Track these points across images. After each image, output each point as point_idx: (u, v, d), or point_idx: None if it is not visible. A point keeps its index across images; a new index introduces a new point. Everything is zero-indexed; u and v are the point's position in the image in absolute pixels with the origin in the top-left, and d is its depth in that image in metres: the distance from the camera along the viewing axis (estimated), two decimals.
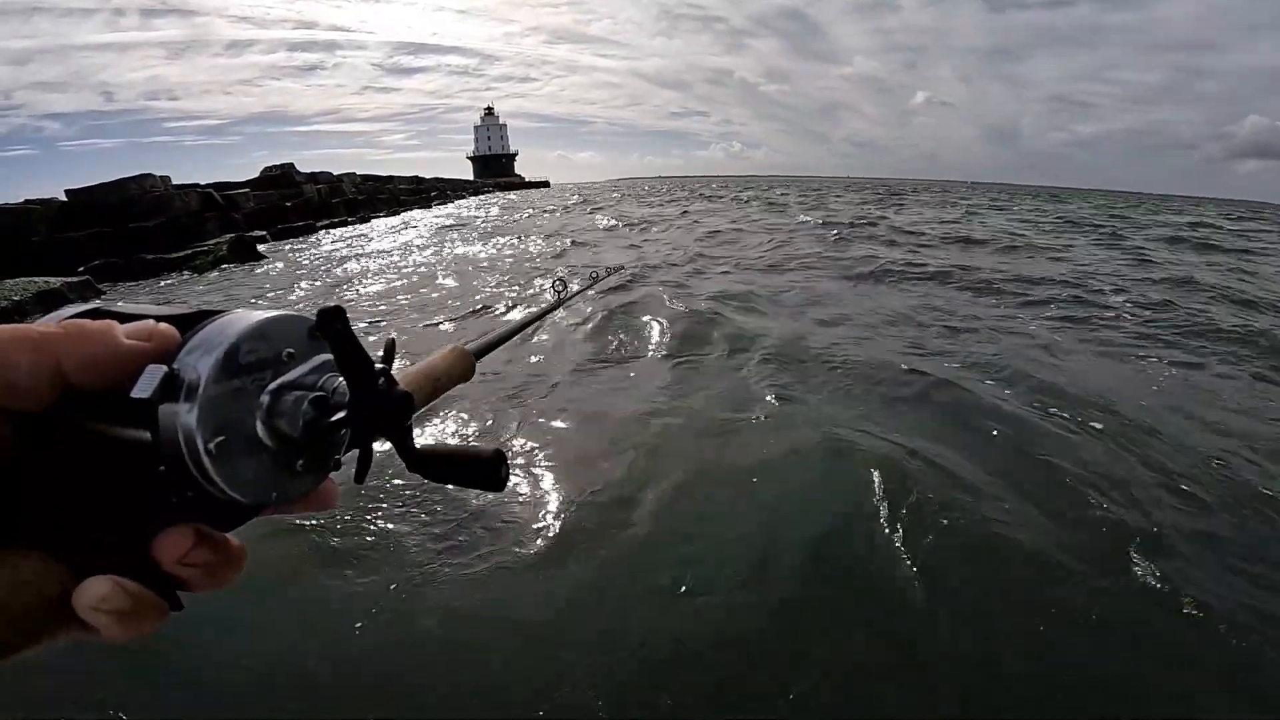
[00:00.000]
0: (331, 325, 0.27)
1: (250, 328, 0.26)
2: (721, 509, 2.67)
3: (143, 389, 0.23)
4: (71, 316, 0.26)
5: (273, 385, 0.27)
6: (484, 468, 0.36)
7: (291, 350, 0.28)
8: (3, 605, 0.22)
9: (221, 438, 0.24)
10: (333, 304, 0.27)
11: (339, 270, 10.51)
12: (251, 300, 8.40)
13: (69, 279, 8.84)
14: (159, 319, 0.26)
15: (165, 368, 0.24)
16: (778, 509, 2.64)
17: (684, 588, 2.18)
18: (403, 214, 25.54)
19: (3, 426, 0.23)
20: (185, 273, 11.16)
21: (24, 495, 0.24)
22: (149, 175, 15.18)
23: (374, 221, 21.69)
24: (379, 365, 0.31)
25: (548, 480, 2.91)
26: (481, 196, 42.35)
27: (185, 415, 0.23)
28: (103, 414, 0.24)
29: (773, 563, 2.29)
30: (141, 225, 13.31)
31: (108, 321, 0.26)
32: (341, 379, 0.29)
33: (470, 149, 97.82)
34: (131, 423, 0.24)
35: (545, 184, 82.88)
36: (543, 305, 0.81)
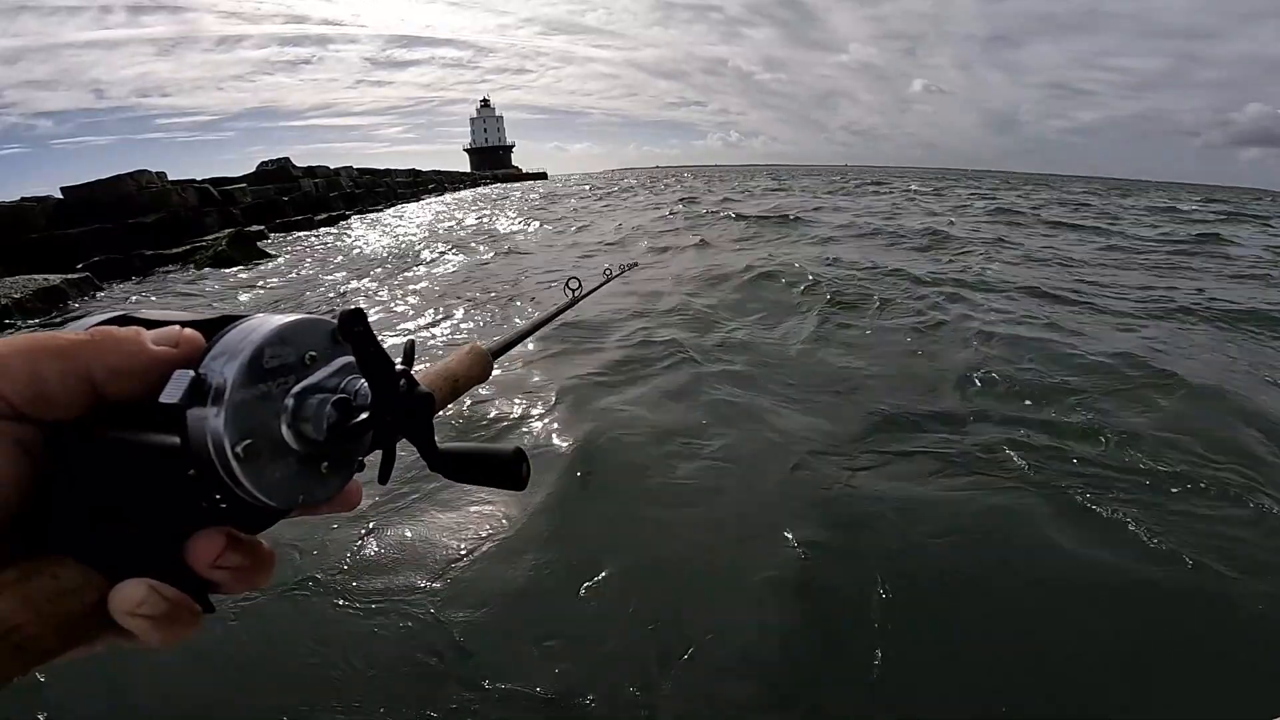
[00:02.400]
0: (353, 328, 0.27)
1: (273, 332, 0.26)
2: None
3: (171, 394, 0.24)
4: (98, 324, 0.27)
5: (296, 389, 0.27)
6: (504, 466, 0.36)
7: (314, 353, 0.28)
8: (44, 612, 0.22)
9: (248, 441, 0.25)
10: (353, 306, 0.28)
11: None
12: None
13: (68, 275, 8.82)
14: (184, 324, 0.27)
15: (192, 373, 0.24)
16: None
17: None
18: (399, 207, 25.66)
19: (35, 436, 0.23)
20: (188, 268, 11.17)
21: (58, 503, 0.24)
22: (144, 171, 15.07)
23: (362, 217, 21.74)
24: (400, 367, 0.31)
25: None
26: (471, 191, 42.08)
27: (213, 419, 0.24)
28: (132, 420, 0.25)
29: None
30: (140, 221, 13.27)
31: (135, 328, 0.26)
32: (363, 381, 0.29)
33: (467, 141, 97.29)
34: (160, 428, 0.24)
35: (543, 175, 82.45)
36: (558, 304, 0.81)
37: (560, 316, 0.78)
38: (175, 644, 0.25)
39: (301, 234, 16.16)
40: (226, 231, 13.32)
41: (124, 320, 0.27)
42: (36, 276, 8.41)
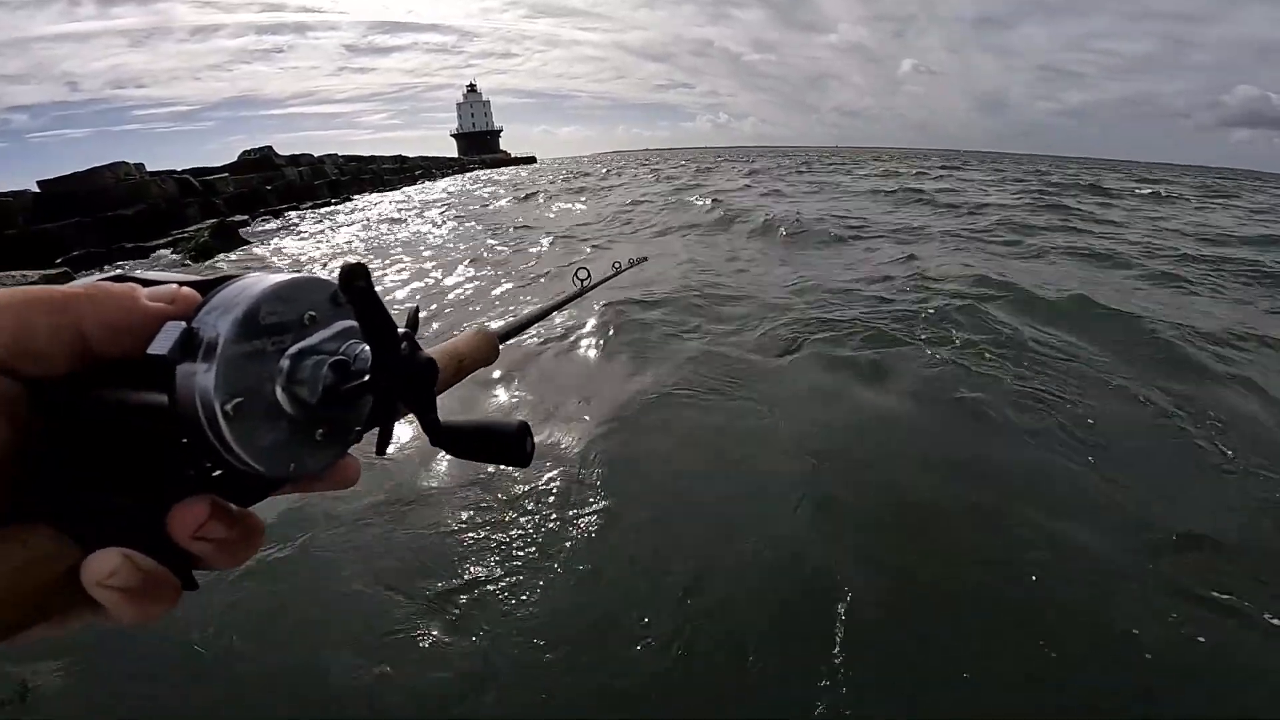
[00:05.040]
0: (354, 283, 0.26)
1: (271, 288, 0.25)
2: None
3: (160, 345, 0.22)
4: (94, 282, 0.25)
5: (293, 349, 0.26)
6: (508, 442, 0.35)
7: (313, 314, 0.27)
8: (10, 583, 0.21)
9: (239, 400, 0.23)
10: (355, 261, 0.26)
11: None
12: None
13: (47, 271, 8.64)
14: (182, 284, 0.26)
15: (184, 324, 0.23)
16: None
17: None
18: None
19: (20, 393, 0.22)
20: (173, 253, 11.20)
21: (37, 465, 0.22)
22: (123, 163, 14.73)
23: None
24: (403, 330, 0.29)
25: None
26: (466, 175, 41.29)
27: (202, 375, 0.22)
28: (120, 378, 0.23)
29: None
30: (119, 214, 12.99)
31: (129, 284, 0.25)
32: (364, 346, 0.28)
33: (454, 127, 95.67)
34: (148, 384, 0.23)
35: (532, 159, 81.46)
36: (566, 293, 0.80)
37: (567, 305, 0.78)
38: (150, 620, 0.23)
39: (286, 221, 15.89)
40: (209, 222, 13.08)
41: (121, 279, 0.26)
42: (14, 273, 8.23)
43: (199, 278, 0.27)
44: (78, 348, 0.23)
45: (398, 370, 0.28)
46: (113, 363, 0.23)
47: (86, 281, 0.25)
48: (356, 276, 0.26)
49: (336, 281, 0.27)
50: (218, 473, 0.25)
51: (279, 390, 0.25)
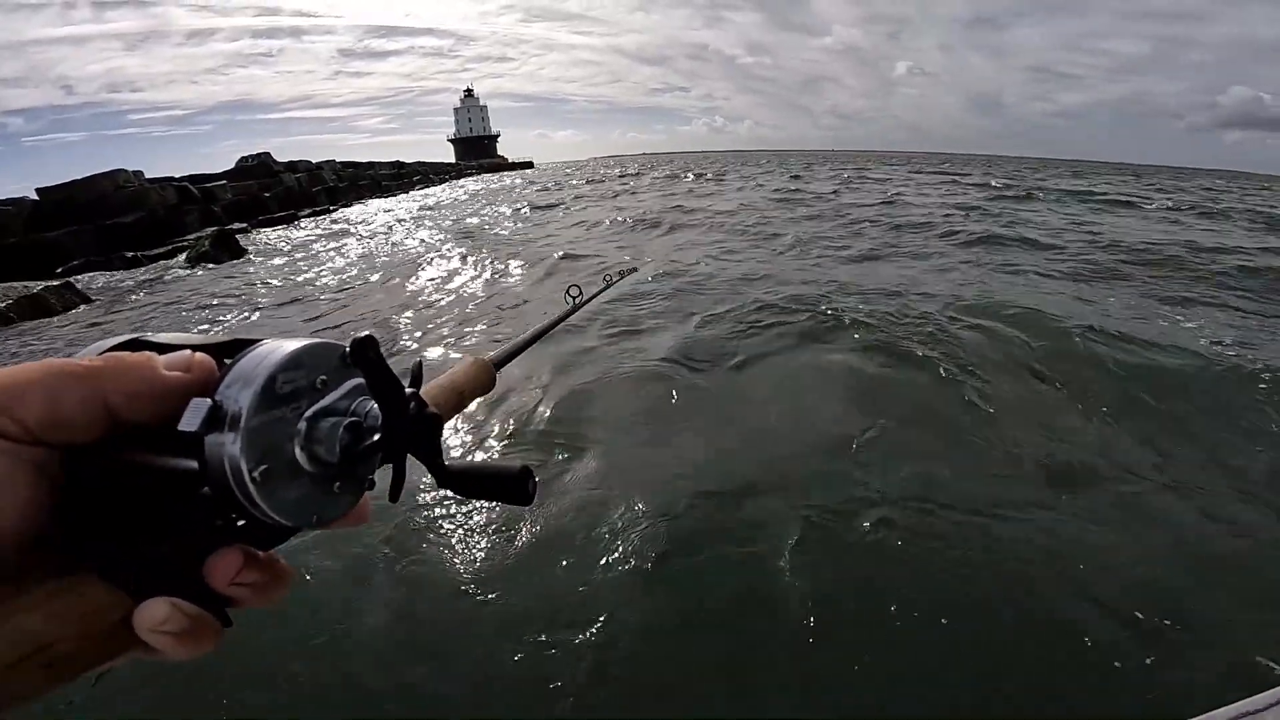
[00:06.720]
0: (364, 354, 0.28)
1: (286, 358, 0.27)
2: None
3: (189, 423, 0.24)
4: (110, 349, 0.27)
5: (309, 412, 0.28)
6: (511, 483, 0.36)
7: (325, 377, 0.29)
8: (72, 630, 0.23)
9: (265, 466, 0.25)
10: (364, 333, 0.28)
11: None
12: None
13: (49, 283, 8.65)
14: (195, 348, 0.27)
15: (209, 401, 0.25)
16: None
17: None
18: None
19: (53, 459, 0.24)
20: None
21: (80, 524, 0.24)
22: (121, 170, 14.79)
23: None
24: (409, 390, 0.32)
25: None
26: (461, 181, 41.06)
27: (230, 446, 0.24)
28: (149, 444, 0.25)
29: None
30: (119, 221, 13.01)
31: (147, 354, 0.26)
32: (373, 403, 0.30)
33: (451, 131, 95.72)
34: (178, 452, 0.25)
35: (529, 165, 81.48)
36: (559, 312, 0.80)
37: (560, 325, 0.78)
38: (197, 657, 0.26)
39: (284, 229, 15.88)
40: (209, 230, 13.09)
41: (136, 344, 0.28)
42: (16, 285, 8.24)
43: (210, 340, 0.29)
44: (104, 417, 0.25)
45: (406, 429, 0.31)
46: (137, 427, 0.25)
47: (104, 346, 0.27)
48: (367, 348, 0.28)
49: (345, 345, 0.29)
50: (242, 523, 0.27)
51: (298, 450, 0.27)
